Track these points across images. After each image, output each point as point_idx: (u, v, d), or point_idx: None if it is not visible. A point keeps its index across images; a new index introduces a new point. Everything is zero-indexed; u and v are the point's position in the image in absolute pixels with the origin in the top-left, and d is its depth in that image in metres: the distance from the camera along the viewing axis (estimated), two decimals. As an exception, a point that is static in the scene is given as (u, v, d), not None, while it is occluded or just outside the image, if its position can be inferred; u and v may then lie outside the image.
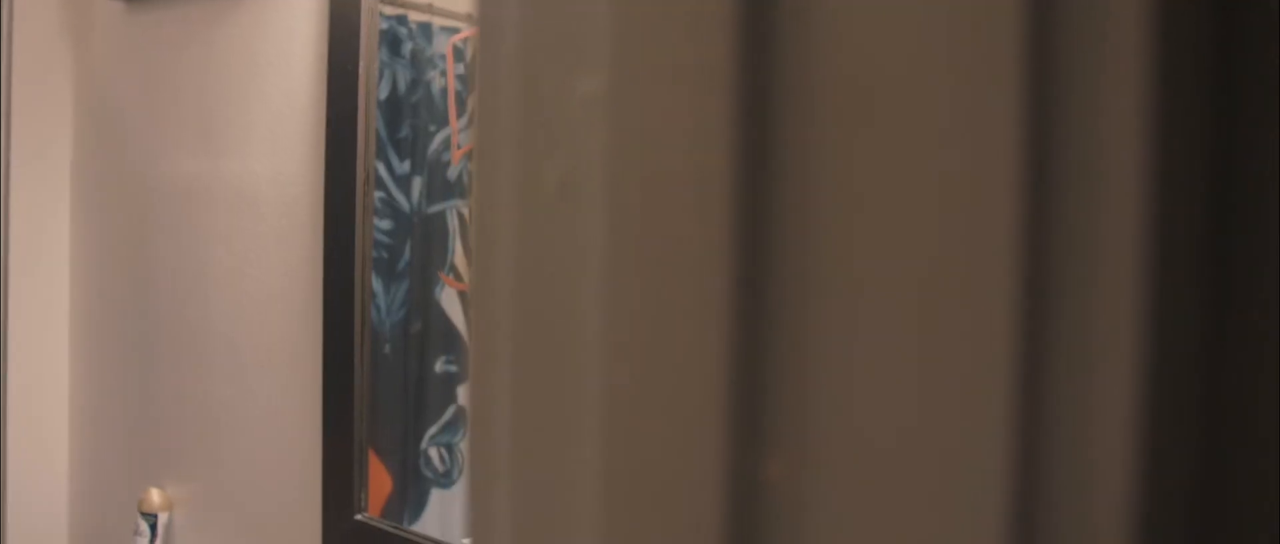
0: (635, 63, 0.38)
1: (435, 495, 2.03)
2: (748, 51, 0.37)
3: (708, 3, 0.37)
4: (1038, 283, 0.34)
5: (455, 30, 1.98)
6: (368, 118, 1.91)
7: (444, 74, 1.97)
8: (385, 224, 1.97)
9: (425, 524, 2.00)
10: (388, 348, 2.01)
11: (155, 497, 2.31)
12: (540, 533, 0.42)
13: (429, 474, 2.02)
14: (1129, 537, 0.34)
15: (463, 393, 2.03)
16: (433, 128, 1.97)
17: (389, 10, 1.93)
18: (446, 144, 1.97)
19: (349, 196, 1.92)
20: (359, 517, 1.95)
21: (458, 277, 2.00)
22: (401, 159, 1.96)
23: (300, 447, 2.07)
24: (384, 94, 1.94)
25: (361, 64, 1.89)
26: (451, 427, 2.02)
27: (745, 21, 0.37)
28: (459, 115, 1.96)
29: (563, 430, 0.40)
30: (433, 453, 2.02)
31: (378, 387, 2.01)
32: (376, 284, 1.98)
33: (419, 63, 1.96)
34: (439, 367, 2.03)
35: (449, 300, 2.00)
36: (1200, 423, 0.35)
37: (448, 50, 1.98)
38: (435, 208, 1.99)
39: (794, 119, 0.37)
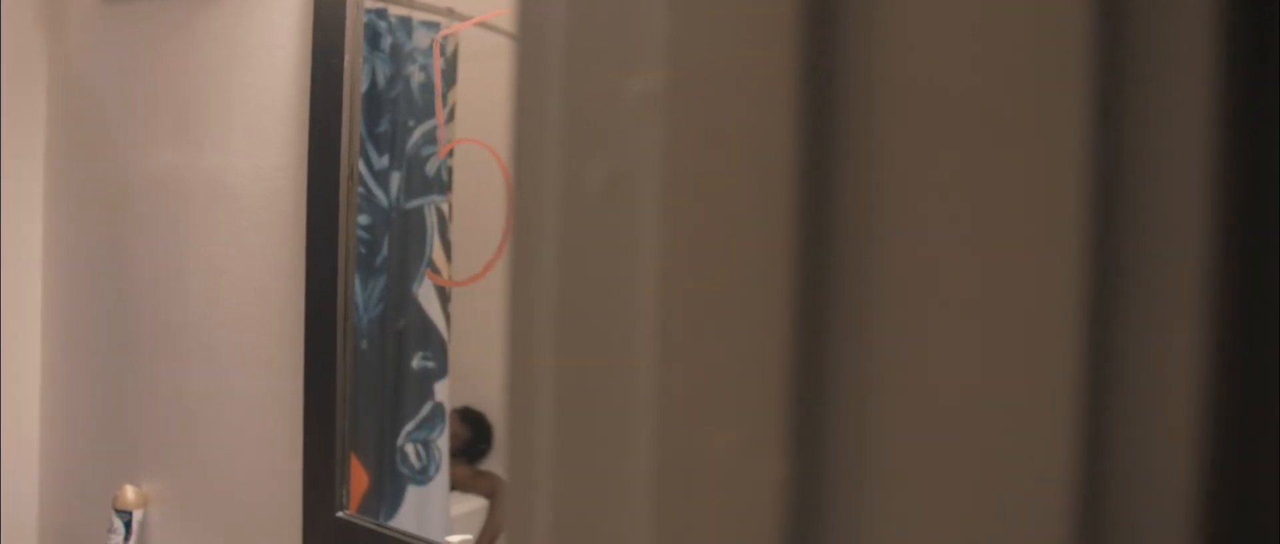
0: (694, 62, 0.37)
1: (411, 492, 2.03)
2: (811, 52, 0.36)
3: (770, 2, 0.36)
4: (1104, 285, 0.34)
5: (435, 25, 1.98)
6: (352, 111, 1.90)
7: (423, 69, 1.97)
8: (363, 219, 1.96)
9: (401, 521, 1.99)
10: (364, 344, 2.01)
11: (130, 494, 2.30)
12: (586, 537, 0.40)
13: (405, 471, 2.02)
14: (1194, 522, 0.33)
15: (439, 389, 2.03)
16: (411, 123, 1.97)
17: (369, 3, 1.92)
18: (426, 139, 1.97)
19: (332, 191, 1.91)
20: (340, 514, 1.94)
21: (435, 271, 1.99)
22: (380, 154, 1.96)
23: (280, 443, 2.06)
24: (363, 88, 1.93)
25: (346, 57, 1.88)
26: (428, 423, 2.02)
27: (808, 22, 0.36)
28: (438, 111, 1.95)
29: (612, 434, 0.39)
30: (409, 449, 2.02)
31: (354, 383, 2.00)
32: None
33: (398, 57, 1.96)
34: (416, 363, 2.03)
35: (427, 296, 2.00)
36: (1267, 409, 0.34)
37: (434, 45, 1.97)
38: (413, 203, 1.99)
39: (857, 120, 0.36)
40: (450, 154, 1.99)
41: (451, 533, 1.98)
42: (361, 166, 1.94)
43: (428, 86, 1.97)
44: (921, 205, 0.35)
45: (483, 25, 1.96)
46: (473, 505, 2.06)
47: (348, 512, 1.95)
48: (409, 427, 2.02)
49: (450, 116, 1.98)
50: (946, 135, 0.35)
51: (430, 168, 1.98)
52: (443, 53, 1.97)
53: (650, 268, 0.37)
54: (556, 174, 0.39)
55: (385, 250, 1.99)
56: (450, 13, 1.99)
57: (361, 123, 1.94)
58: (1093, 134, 0.33)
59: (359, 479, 2.01)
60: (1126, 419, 0.34)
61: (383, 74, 1.95)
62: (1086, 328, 0.34)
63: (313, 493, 1.98)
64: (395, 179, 1.97)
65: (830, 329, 0.36)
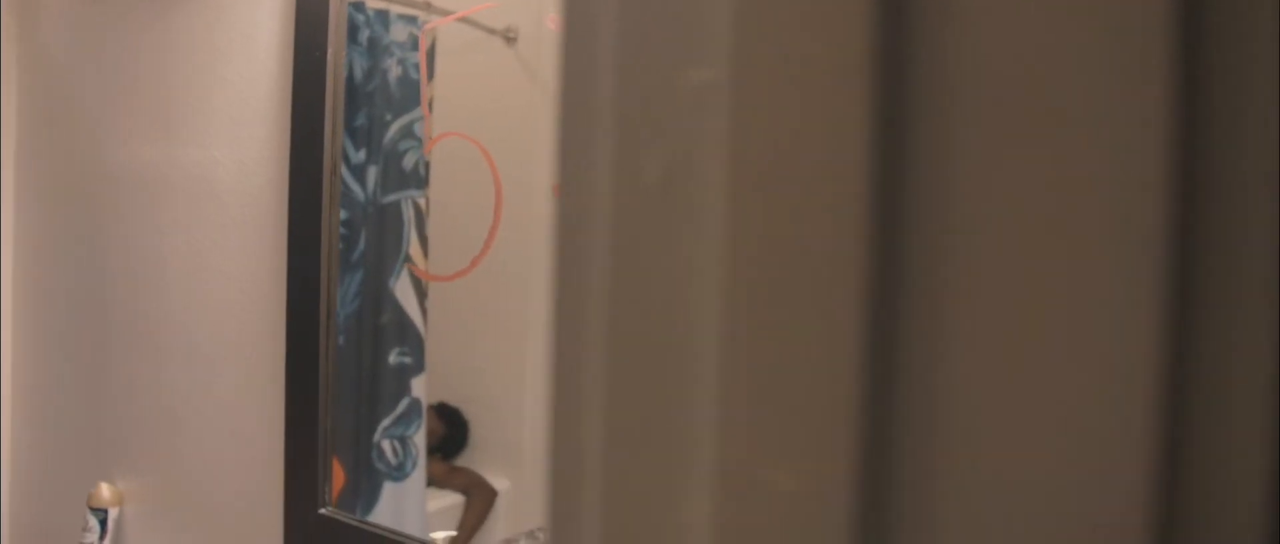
0: (759, 52, 0.35)
1: (388, 488, 2.02)
2: (882, 40, 0.34)
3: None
4: (1183, 289, 0.33)
5: (412, 18, 1.98)
6: (335, 105, 1.90)
7: (401, 63, 1.97)
8: (340, 214, 1.96)
9: (378, 517, 1.99)
10: (341, 340, 2.00)
11: (105, 491, 2.29)
12: (638, 537, 0.38)
13: (382, 467, 2.01)
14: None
15: (416, 385, 2.02)
16: (388, 117, 1.97)
17: (348, -3, 1.93)
18: (402, 133, 1.96)
19: (315, 185, 1.91)
20: (323, 511, 1.94)
21: (412, 266, 1.99)
22: (357, 148, 1.96)
23: (261, 439, 2.06)
24: (341, 81, 1.94)
25: (329, 50, 1.88)
26: (404, 419, 2.02)
27: (880, 9, 0.34)
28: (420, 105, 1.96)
29: (669, 433, 0.36)
30: (386, 445, 2.01)
31: (337, 379, 2.00)
32: (332, 274, 1.97)
33: (376, 50, 1.96)
34: (393, 359, 2.02)
35: (404, 292, 1.99)
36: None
37: (421, 39, 1.98)
38: (391, 198, 1.99)
39: (930, 113, 0.35)
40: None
41: (428, 529, 1.98)
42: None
43: (405, 80, 1.97)
44: (998, 203, 0.34)
45: (464, 20, 1.96)
46: (449, 501, 2.06)
47: (330, 508, 1.95)
48: (386, 423, 2.02)
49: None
50: (1024, 128, 0.34)
51: (407, 162, 1.98)
52: (418, 48, 1.97)
53: (712, 265, 0.35)
54: (607, 166, 0.38)
55: (362, 245, 1.99)
56: (428, 6, 1.99)
57: (340, 117, 1.94)
58: (1172, 127, 0.33)
59: (335, 476, 2.00)
60: (1205, 423, 0.33)
61: (360, 67, 1.95)
62: (1166, 328, 0.33)
63: (295, 489, 1.98)
64: (372, 173, 1.97)
65: (902, 339, 0.35)
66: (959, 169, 0.34)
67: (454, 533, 1.92)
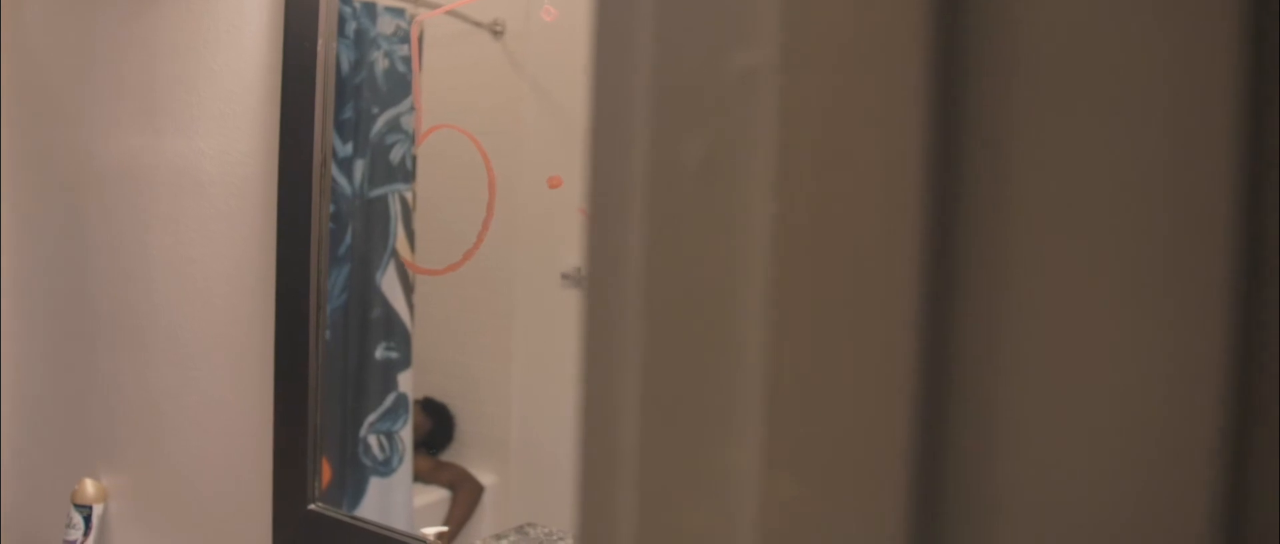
0: (808, 31, 0.33)
1: (374, 483, 2.01)
2: (941, 19, 0.33)
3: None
4: (1253, 282, 0.31)
5: (400, 11, 1.97)
6: (326, 97, 1.89)
7: (387, 56, 1.96)
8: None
9: (364, 513, 1.98)
10: (327, 334, 1.99)
11: (89, 488, 2.27)
12: (675, 538, 0.36)
13: (368, 462, 2.00)
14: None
15: (403, 380, 2.02)
16: (375, 110, 1.96)
17: (337, -13, 1.92)
18: (389, 126, 1.96)
19: (305, 178, 1.90)
20: (313, 507, 1.93)
21: (398, 260, 1.99)
22: (344, 141, 1.95)
23: (249, 434, 2.04)
24: (326, 74, 1.92)
25: (320, 41, 1.86)
26: (391, 414, 2.01)
27: None
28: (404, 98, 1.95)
29: (710, 434, 0.34)
30: (372, 441, 2.01)
31: (326, 374, 1.99)
32: (318, 268, 1.96)
33: (363, 43, 1.95)
34: (379, 353, 2.02)
35: (390, 286, 1.99)
36: None
37: (413, 31, 1.97)
38: (377, 192, 1.98)
39: (989, 97, 0.33)
40: (414, 141, 1.98)
41: (414, 524, 1.97)
42: (325, 154, 1.94)
43: (392, 73, 1.96)
44: (1058, 185, 0.32)
45: (451, 13, 1.96)
46: (435, 496, 2.05)
47: (321, 504, 1.94)
48: (372, 418, 2.01)
49: (414, 104, 1.97)
50: (1087, 118, 0.32)
51: (395, 156, 1.97)
52: (407, 41, 1.97)
53: (757, 255, 0.33)
54: (644, 152, 0.36)
55: (348, 239, 1.98)
56: (416, -1, 1.99)
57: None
58: (1240, 119, 0.31)
59: (322, 471, 1.99)
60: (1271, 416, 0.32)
61: (347, 60, 1.93)
62: (1232, 328, 0.31)
63: (283, 484, 1.96)
64: (359, 167, 1.96)
65: (956, 336, 0.33)
66: (1018, 152, 0.33)
67: (445, 528, 1.91)
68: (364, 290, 2.00)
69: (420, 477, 2.06)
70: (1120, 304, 0.32)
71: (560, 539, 1.78)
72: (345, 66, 1.94)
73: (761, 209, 0.32)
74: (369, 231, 1.99)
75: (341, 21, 1.93)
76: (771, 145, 0.32)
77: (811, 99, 0.32)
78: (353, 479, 2.00)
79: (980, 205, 0.33)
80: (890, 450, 0.33)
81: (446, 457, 2.08)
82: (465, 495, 2.02)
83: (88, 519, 2.25)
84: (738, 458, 0.33)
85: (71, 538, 2.25)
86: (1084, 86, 0.32)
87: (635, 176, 0.36)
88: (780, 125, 0.32)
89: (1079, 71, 0.32)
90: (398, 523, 1.95)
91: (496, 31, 1.94)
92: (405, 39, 1.96)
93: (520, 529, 1.84)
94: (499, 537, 1.83)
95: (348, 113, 1.95)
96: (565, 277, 1.86)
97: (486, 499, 2.00)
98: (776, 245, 0.32)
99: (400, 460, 2.02)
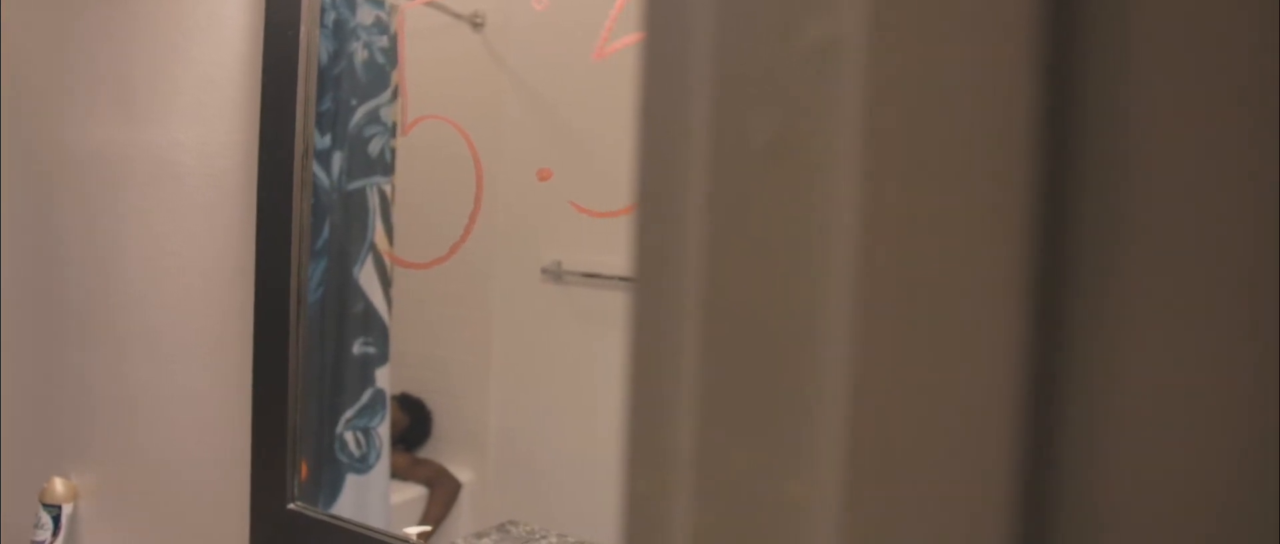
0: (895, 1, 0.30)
1: (351, 480, 1.99)
2: None
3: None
4: None
5: (380, 2, 1.95)
6: (308, 87, 1.86)
7: (367, 47, 1.94)
8: (306, 200, 1.93)
9: (340, 510, 1.96)
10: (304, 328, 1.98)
11: (59, 486, 2.24)
12: None
13: (344, 458, 1.99)
14: None
15: (380, 375, 2.00)
16: (354, 102, 1.94)
17: (314, -23, 1.89)
18: (369, 119, 1.94)
19: (285, 170, 1.87)
20: (292, 506, 1.90)
21: (376, 254, 1.97)
22: (322, 134, 1.93)
23: (226, 431, 2.02)
24: (306, 64, 1.90)
25: (302, 29, 1.84)
26: (368, 410, 1.99)
27: None
28: (387, 88, 1.93)
29: (779, 457, 0.31)
30: (349, 437, 1.99)
31: (306, 369, 1.97)
32: (294, 262, 1.94)
33: (342, 33, 1.93)
34: (356, 349, 2.00)
35: (368, 280, 1.97)
36: None
37: (398, 21, 1.95)
38: (355, 184, 1.96)
39: (1109, 67, 0.30)
40: (395, 134, 1.97)
41: (392, 522, 1.95)
42: (303, 146, 1.91)
43: (371, 64, 1.94)
44: (1181, 178, 0.29)
45: (430, 4, 1.94)
46: (412, 494, 2.04)
47: (300, 502, 1.91)
48: (348, 414, 1.99)
49: (394, 96, 1.96)
50: (1214, 88, 0.29)
51: (373, 148, 1.96)
52: (386, 32, 1.95)
53: (836, 237, 0.30)
54: (703, 133, 0.33)
55: (326, 233, 1.96)
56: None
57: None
58: None
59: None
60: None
61: (326, 51, 1.91)
62: None
63: (262, 483, 1.94)
64: (337, 160, 1.94)
65: (1071, 322, 0.29)
66: (1142, 132, 0.30)
67: (428, 528, 1.90)
68: (341, 285, 1.98)
69: (397, 473, 2.04)
70: (1246, 309, 0.29)
71: (542, 537, 1.77)
72: (324, 57, 1.91)
73: (844, 194, 0.29)
74: (347, 225, 1.97)
75: (321, 11, 1.90)
76: (854, 123, 0.30)
77: (899, 73, 0.30)
78: (329, 476, 1.98)
79: (1097, 191, 0.30)
80: (992, 477, 0.29)
81: (423, 453, 2.07)
82: (442, 492, 2.01)
83: (57, 519, 2.22)
84: (811, 488, 0.30)
85: (40, 538, 2.22)
86: (1211, 58, 0.29)
87: (692, 160, 0.33)
88: (863, 102, 0.30)
89: (1198, 54, 0.29)
90: (375, 520, 1.93)
91: (476, 24, 1.93)
92: (384, 30, 1.95)
93: (501, 527, 1.83)
94: (480, 535, 1.82)
95: (326, 104, 1.93)
96: (545, 271, 1.85)
97: (464, 496, 1.99)
98: (863, 235, 0.29)
99: (377, 457, 2.00)
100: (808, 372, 0.29)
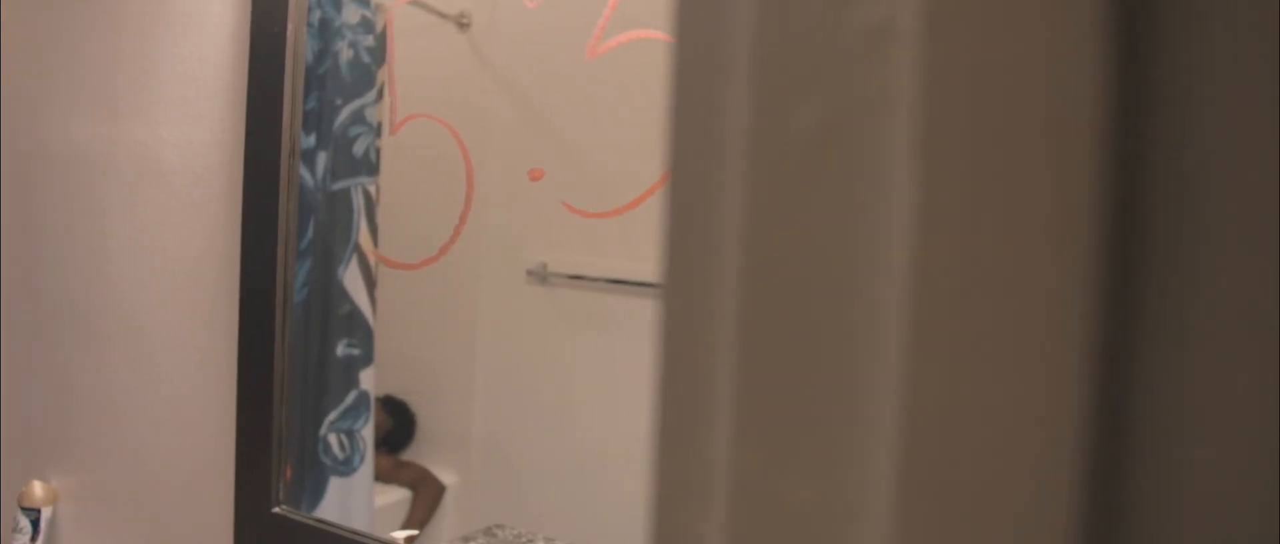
0: None
1: (334, 483, 1.98)
2: None
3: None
4: None
5: (365, 1, 1.94)
6: (295, 84, 1.85)
7: (352, 46, 1.92)
8: (289, 201, 1.92)
9: (323, 513, 1.95)
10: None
11: (38, 490, 2.21)
12: None
13: (328, 461, 1.97)
14: None
15: (365, 377, 1.99)
16: (339, 101, 1.93)
17: (299, -24, 1.88)
18: (354, 118, 1.92)
19: (271, 170, 1.86)
20: (277, 510, 1.89)
21: (361, 255, 1.95)
22: (306, 133, 1.91)
23: (210, 433, 2.00)
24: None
25: (289, 26, 1.82)
26: (352, 412, 1.98)
27: None
28: (372, 87, 1.92)
29: (830, 460, 0.28)
30: (332, 439, 1.98)
31: (291, 371, 1.96)
32: (278, 263, 1.93)
33: (327, 32, 1.91)
34: (340, 350, 1.98)
35: (352, 281, 1.96)
36: None
37: (387, 19, 1.94)
38: (339, 185, 1.94)
39: (1176, 54, 0.28)
40: (380, 134, 1.96)
41: (375, 526, 1.94)
42: (286, 146, 1.90)
43: (357, 63, 1.93)
44: (1259, 174, 0.27)
45: (416, 4, 1.93)
46: (396, 497, 2.03)
47: (285, 507, 1.90)
48: (332, 416, 1.98)
49: (380, 95, 1.95)
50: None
51: (358, 148, 1.94)
52: (372, 31, 1.94)
53: (893, 235, 0.28)
54: (743, 123, 0.31)
55: (310, 233, 1.95)
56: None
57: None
58: None
59: (281, 470, 1.96)
60: None
61: (311, 50, 1.90)
62: None
63: (246, 486, 1.92)
64: (321, 159, 1.93)
65: (1143, 324, 0.27)
66: (1213, 120, 0.27)
67: (415, 532, 1.88)
68: (326, 286, 1.96)
69: (380, 476, 2.03)
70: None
71: (529, 541, 1.76)
72: (309, 57, 1.90)
73: (898, 190, 0.27)
74: (331, 226, 1.96)
75: (306, 10, 1.89)
76: (908, 114, 0.28)
77: (958, 60, 0.28)
78: (312, 479, 1.97)
79: (1169, 186, 0.28)
80: (1056, 494, 0.27)
81: (407, 456, 2.05)
82: (426, 495, 2.00)
83: (36, 523, 2.20)
84: (862, 520, 0.28)
85: (18, 543, 2.19)
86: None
87: (729, 152, 0.31)
88: (918, 91, 0.28)
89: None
90: (358, 524, 1.92)
91: (463, 24, 1.92)
92: (370, 29, 1.93)
93: (488, 531, 1.82)
94: (467, 538, 1.80)
95: (311, 104, 1.92)
96: (530, 273, 1.84)
97: (448, 499, 1.98)
98: (919, 235, 0.27)
99: (361, 460, 1.99)
100: (857, 385, 0.27)
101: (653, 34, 1.62)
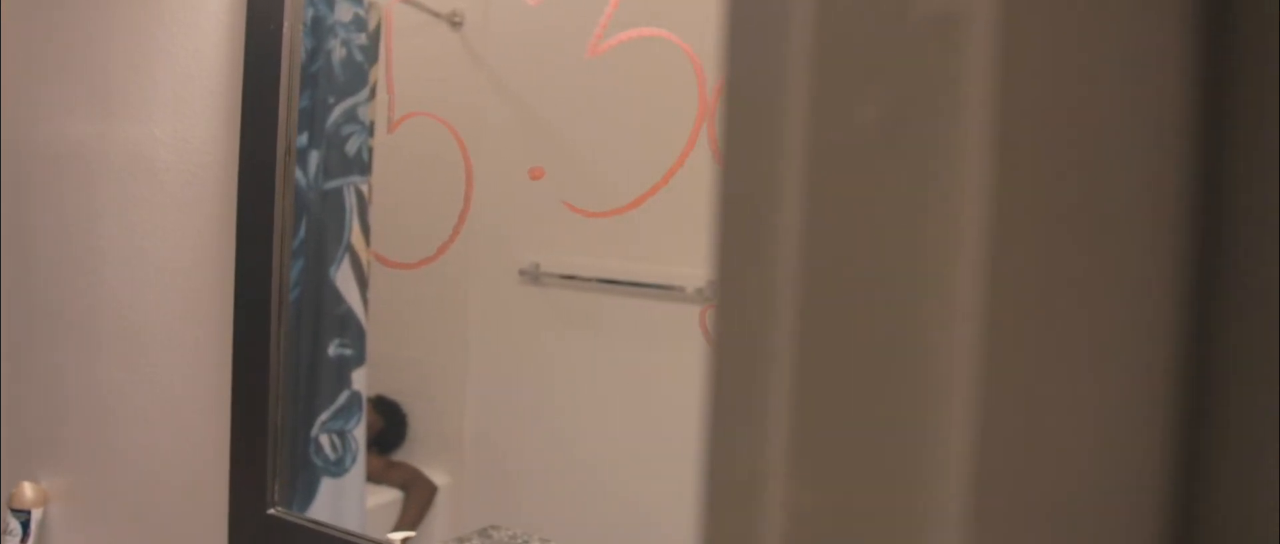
0: None
1: (326, 484, 1.97)
2: None
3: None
4: None
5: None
6: (291, 82, 1.84)
7: (345, 44, 1.92)
8: (281, 200, 1.91)
9: (315, 514, 1.94)
10: (279, 330, 1.95)
11: (28, 491, 2.20)
12: None
13: (319, 462, 1.96)
14: None
15: (357, 377, 1.98)
16: (331, 100, 1.92)
17: (292, -27, 1.87)
18: (346, 117, 1.92)
19: (267, 168, 1.85)
20: (272, 511, 1.88)
21: (354, 255, 1.94)
22: (298, 132, 1.90)
23: (204, 434, 1.99)
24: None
25: (285, 23, 1.81)
26: (344, 413, 1.97)
27: None
28: (364, 86, 1.91)
29: (893, 486, 0.26)
30: (324, 440, 1.97)
31: (286, 372, 1.95)
32: (270, 263, 1.92)
33: (320, 30, 1.90)
34: (332, 350, 1.97)
35: (345, 281, 1.95)
36: None
37: (385, 18, 1.93)
38: (332, 184, 1.93)
39: (1264, 38, 0.25)
40: (372, 132, 1.95)
41: (367, 526, 1.93)
42: (277, 145, 1.89)
43: (349, 62, 1.92)
44: None
45: (409, 2, 1.92)
46: (387, 497, 2.02)
47: (280, 508, 1.89)
48: (324, 416, 1.97)
49: (372, 94, 1.94)
50: None
51: (351, 147, 1.93)
52: (364, 29, 1.93)
53: (960, 239, 0.25)
54: (802, 115, 0.29)
55: (302, 232, 1.94)
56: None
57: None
58: None
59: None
60: None
61: (303, 48, 1.89)
62: None
63: (241, 488, 1.91)
64: (314, 158, 1.92)
65: (1234, 325, 0.25)
66: None
67: (413, 533, 1.88)
68: (318, 285, 1.96)
69: (372, 477, 2.02)
70: None
71: (525, 542, 1.76)
72: (302, 55, 1.89)
73: (971, 183, 0.26)
74: (323, 225, 1.95)
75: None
76: (981, 103, 0.26)
77: (1034, 46, 0.25)
78: (303, 479, 1.96)
79: (1259, 180, 0.25)
80: (1141, 498, 0.26)
81: (398, 456, 2.04)
82: (418, 496, 1.99)
83: (26, 525, 2.19)
84: (929, 513, 0.26)
85: (8, 544, 2.19)
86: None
87: (789, 147, 0.29)
88: (993, 79, 0.26)
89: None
90: (350, 525, 1.91)
91: (455, 23, 1.91)
92: (362, 27, 1.92)
93: (483, 532, 1.81)
94: (462, 539, 1.80)
95: (304, 102, 1.91)
96: (522, 273, 1.83)
97: (440, 500, 1.97)
98: (994, 231, 0.25)
99: (353, 460, 1.98)
100: (926, 391, 0.26)
101: (656, 32, 1.62)
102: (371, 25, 1.94)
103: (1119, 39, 0.26)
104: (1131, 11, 0.25)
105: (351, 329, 1.98)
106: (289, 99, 1.84)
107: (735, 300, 0.31)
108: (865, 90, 0.29)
